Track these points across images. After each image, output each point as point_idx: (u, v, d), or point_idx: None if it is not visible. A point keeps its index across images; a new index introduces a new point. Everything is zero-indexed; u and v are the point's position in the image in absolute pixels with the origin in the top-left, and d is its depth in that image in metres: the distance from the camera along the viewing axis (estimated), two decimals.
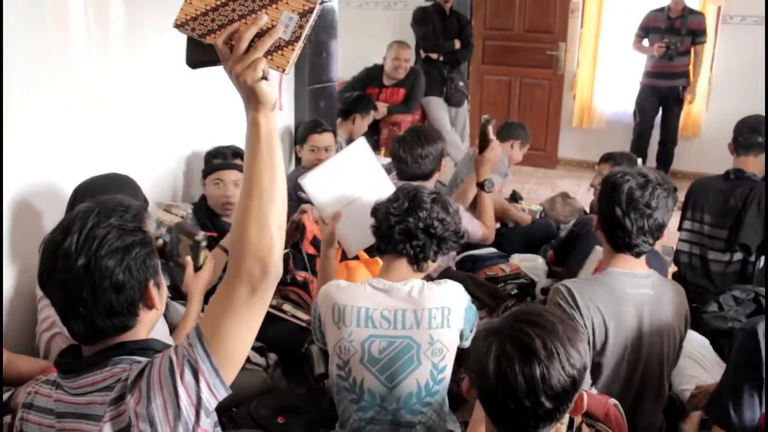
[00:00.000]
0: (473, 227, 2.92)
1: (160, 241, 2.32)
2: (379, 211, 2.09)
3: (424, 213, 2.02)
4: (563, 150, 6.81)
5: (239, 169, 2.80)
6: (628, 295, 2.02)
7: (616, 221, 1.99)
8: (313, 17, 1.18)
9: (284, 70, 1.19)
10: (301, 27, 1.18)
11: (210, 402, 1.22)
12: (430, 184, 2.91)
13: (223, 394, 1.23)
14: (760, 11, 5.96)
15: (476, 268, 3.28)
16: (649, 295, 2.04)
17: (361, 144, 2.49)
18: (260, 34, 1.16)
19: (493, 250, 3.45)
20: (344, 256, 2.55)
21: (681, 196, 3.33)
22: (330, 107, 4.31)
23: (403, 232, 2.02)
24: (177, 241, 2.24)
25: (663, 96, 5.88)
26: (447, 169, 3.55)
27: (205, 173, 2.95)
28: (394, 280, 2.02)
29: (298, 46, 1.18)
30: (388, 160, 3.45)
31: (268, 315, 2.73)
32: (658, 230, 2.01)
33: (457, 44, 5.56)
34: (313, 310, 2.11)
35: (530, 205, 4.25)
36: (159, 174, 3.02)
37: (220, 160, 2.94)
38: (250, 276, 1.20)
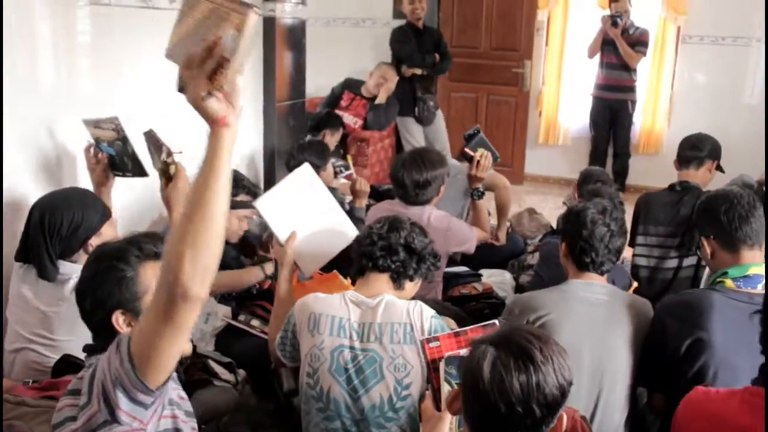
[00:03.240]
0: (472, 234, 3.06)
1: (104, 156, 2.34)
2: (362, 234, 2.19)
3: (405, 232, 2.13)
4: (530, 166, 6.89)
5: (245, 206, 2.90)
6: (581, 297, 2.16)
7: (583, 247, 2.17)
8: (246, 31, 1.17)
9: (222, 88, 1.20)
10: (237, 42, 1.18)
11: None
12: (430, 207, 3.00)
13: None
14: (717, 32, 6.15)
15: (450, 285, 3.31)
16: (603, 300, 2.16)
17: (306, 169, 2.52)
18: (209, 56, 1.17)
19: (465, 268, 3.48)
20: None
21: None
22: (300, 124, 4.33)
23: (385, 248, 2.10)
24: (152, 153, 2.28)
25: (613, 109, 6.04)
26: None
27: (230, 206, 2.95)
28: (367, 295, 2.08)
29: (235, 62, 1.18)
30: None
31: (237, 331, 2.78)
32: (617, 252, 2.21)
33: (437, 57, 5.62)
34: (285, 323, 2.14)
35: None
36: (128, 187, 3.01)
37: (245, 195, 2.97)
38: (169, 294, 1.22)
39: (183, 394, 1.66)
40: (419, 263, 2.15)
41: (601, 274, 2.21)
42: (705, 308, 2.02)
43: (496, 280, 3.38)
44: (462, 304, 3.05)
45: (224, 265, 2.91)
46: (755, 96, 6.25)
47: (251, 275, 2.92)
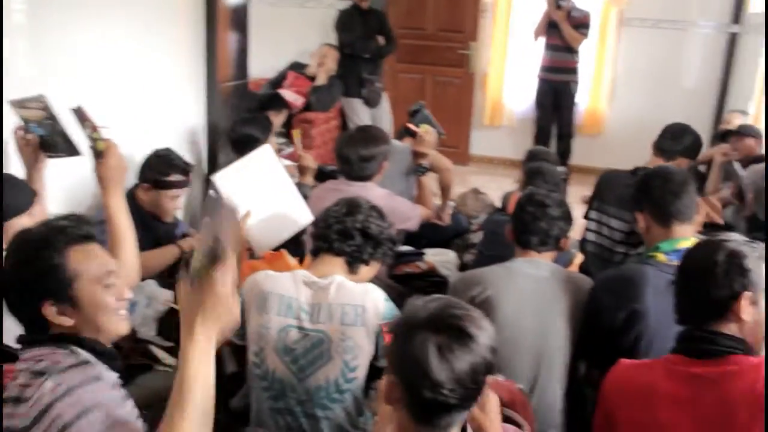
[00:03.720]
0: (415, 211, 3.12)
1: (33, 136, 2.30)
2: (319, 216, 2.18)
3: (362, 216, 2.11)
4: (475, 147, 6.96)
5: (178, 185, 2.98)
6: (524, 273, 2.25)
7: (525, 228, 2.30)
8: None
9: None
10: None
11: None
12: (372, 185, 3.02)
13: None
14: (658, 14, 6.28)
15: (394, 264, 3.30)
16: (545, 276, 2.24)
17: (267, 149, 2.55)
18: None
19: (409, 247, 3.50)
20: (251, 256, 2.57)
21: (586, 191, 3.48)
22: (244, 105, 4.28)
23: (341, 232, 2.08)
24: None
25: (557, 90, 6.12)
26: None
27: (160, 185, 2.96)
28: (319, 275, 2.05)
29: None
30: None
31: (179, 314, 2.74)
32: (560, 232, 2.34)
33: (381, 41, 5.60)
34: None
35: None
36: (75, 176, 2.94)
37: (178, 175, 3.00)
38: None
39: None
40: (375, 248, 2.13)
41: (540, 252, 2.31)
42: (638, 281, 2.09)
43: (440, 259, 3.40)
44: (406, 283, 3.08)
45: (158, 243, 2.92)
46: (692, 79, 6.42)
47: (167, 253, 2.92)
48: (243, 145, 3.57)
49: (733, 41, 6.20)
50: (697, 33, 6.30)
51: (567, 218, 2.36)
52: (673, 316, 1.72)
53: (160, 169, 3.00)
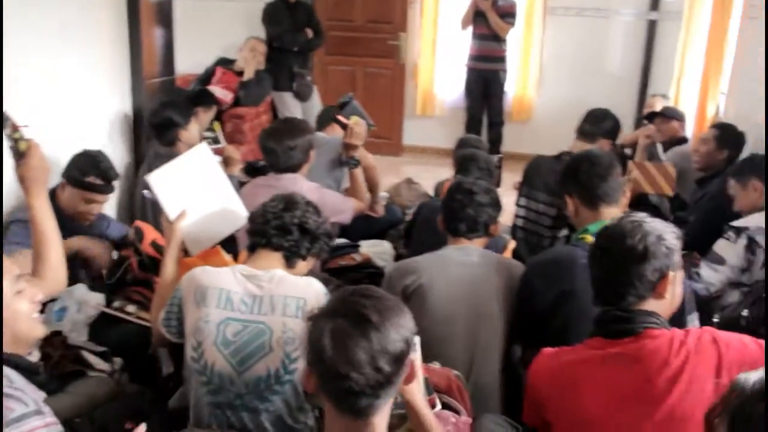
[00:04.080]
0: (347, 204, 3.14)
1: None
2: (256, 211, 2.17)
3: (299, 211, 2.13)
4: (408, 137, 6.99)
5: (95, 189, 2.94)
6: (456, 260, 2.30)
7: (454, 218, 2.36)
8: None
9: None
10: None
11: None
12: (300, 175, 3.05)
13: None
14: (581, 3, 6.43)
15: (328, 257, 3.31)
16: (476, 262, 2.30)
17: (203, 149, 2.53)
18: None
19: (344, 240, 3.50)
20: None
21: (518, 178, 3.54)
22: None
23: (279, 227, 2.10)
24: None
25: (486, 79, 6.21)
26: None
27: (77, 184, 2.90)
28: (259, 268, 2.05)
29: None
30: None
31: (111, 318, 2.68)
32: (489, 219, 2.40)
33: (310, 33, 5.56)
34: (171, 297, 2.10)
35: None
36: None
37: (98, 179, 2.94)
38: None
39: None
40: (312, 242, 2.16)
41: (470, 240, 2.39)
42: (568, 263, 2.14)
43: (376, 250, 3.41)
44: (341, 276, 3.08)
45: None
46: (615, 65, 6.60)
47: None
48: (164, 130, 3.56)
49: (652, 28, 6.40)
50: (618, 20, 6.48)
51: (495, 204, 2.42)
52: None
53: (82, 167, 2.92)
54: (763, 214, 2.89)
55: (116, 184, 3.10)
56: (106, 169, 2.98)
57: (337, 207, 3.07)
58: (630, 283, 1.62)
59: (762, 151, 3.56)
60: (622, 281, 1.63)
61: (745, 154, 3.71)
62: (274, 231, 2.10)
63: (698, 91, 4.77)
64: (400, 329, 1.33)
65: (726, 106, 4.45)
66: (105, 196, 3.01)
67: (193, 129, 3.67)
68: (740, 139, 3.77)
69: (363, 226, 3.55)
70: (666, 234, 1.64)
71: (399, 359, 1.32)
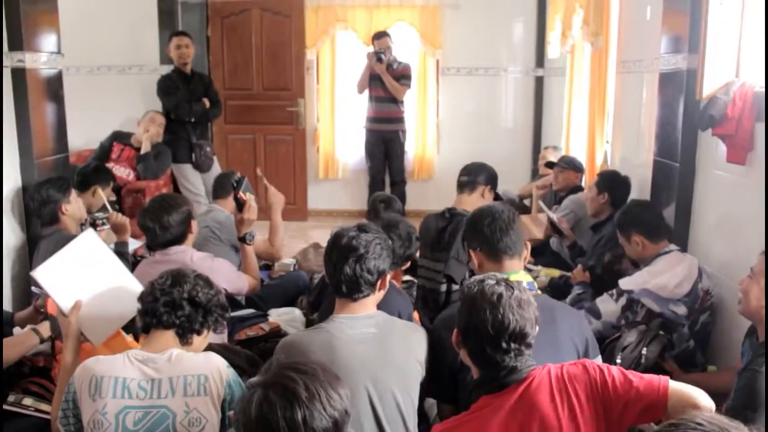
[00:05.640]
0: (241, 282, 3.11)
1: None
2: (144, 291, 2.09)
3: (188, 285, 2.07)
4: (313, 202, 7.02)
5: None
6: (347, 336, 2.09)
7: (334, 271, 2.15)
8: None
9: None
10: None
11: None
12: (190, 248, 3.03)
13: None
14: (472, 63, 6.71)
15: (236, 329, 3.26)
16: (372, 333, 2.11)
17: (89, 235, 2.46)
18: None
19: (251, 310, 3.45)
20: None
21: None
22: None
23: (168, 304, 2.03)
24: None
25: (386, 140, 6.36)
26: None
27: None
28: (154, 351, 1.98)
29: None
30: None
31: (8, 413, 2.51)
32: (378, 275, 2.16)
33: (207, 103, 5.54)
34: (65, 393, 1.99)
35: (283, 259, 4.31)
36: None
37: None
38: None
39: None
40: (206, 316, 2.09)
41: (354, 301, 2.15)
42: None
43: (286, 318, 3.37)
44: (251, 346, 3.03)
45: None
46: (509, 120, 6.89)
47: (26, 340, 2.67)
48: (43, 207, 3.54)
49: (540, 84, 6.75)
50: (508, 77, 6.81)
51: (379, 256, 2.16)
52: None
53: None
54: (651, 273, 3.04)
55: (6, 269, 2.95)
56: None
57: (228, 274, 3.06)
58: (504, 351, 1.72)
59: (647, 190, 3.78)
60: (503, 338, 1.72)
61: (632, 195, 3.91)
62: (164, 308, 2.03)
63: (586, 141, 5.03)
64: (328, 408, 1.33)
65: (612, 153, 4.69)
66: None
67: (74, 202, 3.62)
68: (616, 182, 3.95)
69: (271, 294, 3.51)
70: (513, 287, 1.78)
71: None
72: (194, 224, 3.12)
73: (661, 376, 1.71)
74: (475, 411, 1.74)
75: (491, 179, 3.53)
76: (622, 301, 3.03)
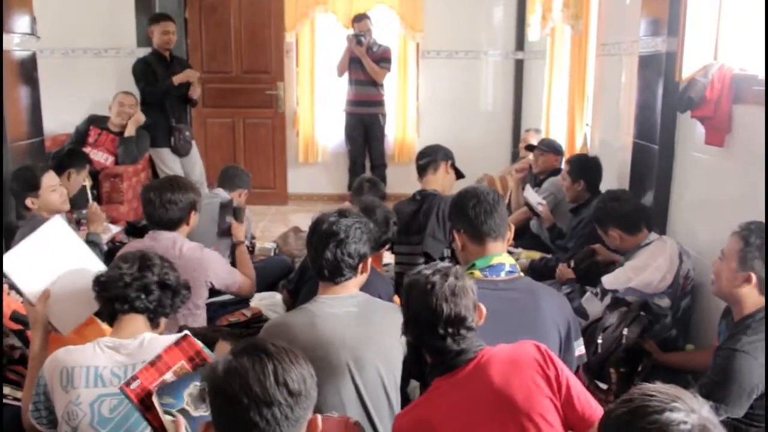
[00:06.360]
0: (232, 278, 3.02)
1: None
2: (106, 277, 2.05)
3: (157, 268, 2.06)
4: (292, 186, 6.99)
5: None
6: (329, 314, 2.13)
7: (316, 256, 2.18)
8: None
9: None
10: None
11: None
12: (181, 236, 2.93)
13: None
14: (452, 46, 6.69)
15: (217, 315, 3.24)
16: (353, 312, 2.15)
17: (57, 221, 2.40)
18: None
19: (230, 296, 3.41)
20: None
21: None
22: (40, 164, 3.99)
23: (141, 288, 2.01)
24: None
25: (366, 123, 6.35)
26: None
27: None
28: (124, 337, 1.96)
29: None
30: None
31: None
32: (359, 258, 2.20)
33: (198, 92, 5.45)
34: (36, 386, 1.95)
35: (264, 243, 4.29)
36: None
37: None
38: None
39: None
40: (174, 298, 2.10)
41: (336, 284, 2.19)
42: None
43: (267, 303, 3.36)
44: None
45: None
46: (489, 103, 6.89)
47: None
48: (15, 199, 3.49)
49: (519, 67, 6.75)
50: (488, 61, 6.80)
51: (359, 240, 2.19)
52: (488, 328, 1.81)
53: None
54: (634, 269, 3.06)
55: None
56: None
57: (219, 272, 2.97)
58: (442, 337, 1.74)
59: (626, 173, 3.80)
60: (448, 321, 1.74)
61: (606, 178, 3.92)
62: (136, 294, 2.00)
63: (566, 124, 5.04)
64: (298, 367, 1.33)
65: (591, 136, 4.71)
66: None
67: (50, 193, 3.52)
68: (587, 166, 3.94)
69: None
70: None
71: (295, 394, 1.31)
72: (194, 217, 3.00)
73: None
74: (430, 392, 1.80)
75: (448, 155, 3.59)
76: (607, 300, 3.04)
